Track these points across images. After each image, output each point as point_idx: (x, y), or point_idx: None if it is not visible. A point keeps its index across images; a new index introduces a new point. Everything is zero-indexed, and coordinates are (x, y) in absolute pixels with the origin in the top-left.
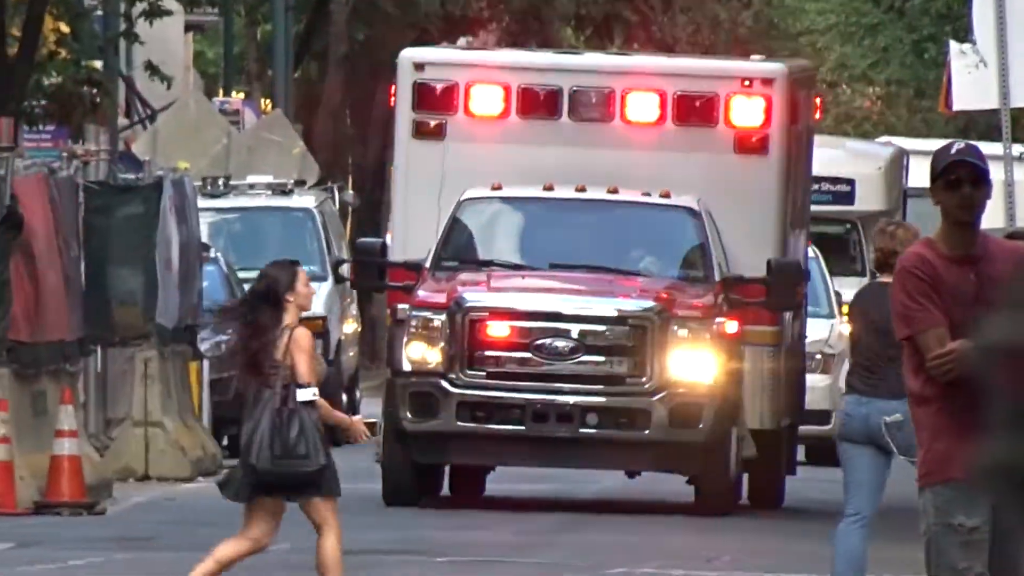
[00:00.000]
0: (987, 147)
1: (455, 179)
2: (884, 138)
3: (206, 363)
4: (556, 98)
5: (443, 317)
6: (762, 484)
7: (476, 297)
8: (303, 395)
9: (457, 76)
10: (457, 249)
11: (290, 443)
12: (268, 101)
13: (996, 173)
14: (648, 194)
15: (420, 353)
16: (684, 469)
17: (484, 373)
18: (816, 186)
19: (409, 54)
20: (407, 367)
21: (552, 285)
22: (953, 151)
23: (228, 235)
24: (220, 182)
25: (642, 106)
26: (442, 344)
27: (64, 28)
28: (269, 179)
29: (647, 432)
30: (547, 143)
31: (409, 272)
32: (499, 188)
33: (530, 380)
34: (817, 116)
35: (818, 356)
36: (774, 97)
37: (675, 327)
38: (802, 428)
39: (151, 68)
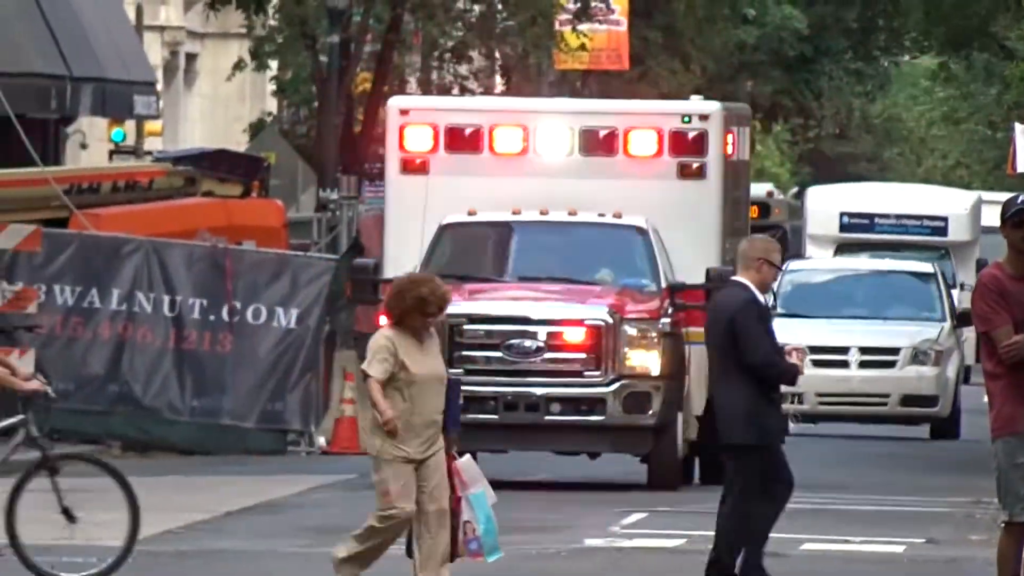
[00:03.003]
0: None
1: (437, 206)
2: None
3: None
4: (526, 136)
5: None
6: (711, 463)
7: (455, 306)
8: None
9: (437, 120)
10: (439, 266)
11: None
12: None
13: None
14: (603, 215)
15: None
16: (636, 450)
17: (462, 370)
18: (918, 222)
19: (395, 102)
20: None
21: (520, 294)
22: (1019, 200)
23: None
24: None
25: (599, 141)
26: None
27: None
28: None
29: (603, 418)
30: (515, 175)
31: None
32: (474, 213)
33: (502, 375)
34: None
35: (930, 351)
36: (710, 130)
37: (626, 328)
38: (918, 409)
39: None
